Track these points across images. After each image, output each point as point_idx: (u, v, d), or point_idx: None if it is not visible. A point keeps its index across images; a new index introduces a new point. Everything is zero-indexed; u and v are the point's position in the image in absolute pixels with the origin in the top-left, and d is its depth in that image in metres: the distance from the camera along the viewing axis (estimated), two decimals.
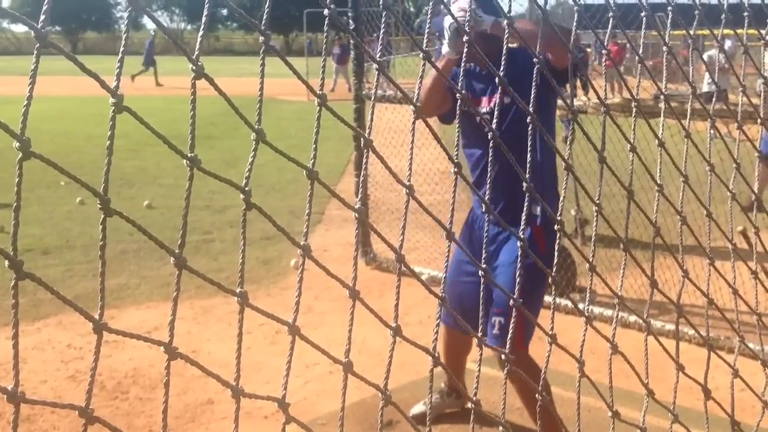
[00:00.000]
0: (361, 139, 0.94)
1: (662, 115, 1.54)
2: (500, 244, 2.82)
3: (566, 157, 1.30)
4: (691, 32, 1.60)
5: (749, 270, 1.80)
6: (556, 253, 1.34)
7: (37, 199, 7.46)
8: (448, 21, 2.54)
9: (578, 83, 5.47)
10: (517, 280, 1.24)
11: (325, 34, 0.92)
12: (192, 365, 0.83)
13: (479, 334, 1.14)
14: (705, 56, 10.91)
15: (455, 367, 3.19)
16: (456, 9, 2.50)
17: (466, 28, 1.06)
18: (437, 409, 3.32)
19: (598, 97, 1.37)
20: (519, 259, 1.25)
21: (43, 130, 12.31)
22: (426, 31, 1.15)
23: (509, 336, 1.25)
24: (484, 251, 1.21)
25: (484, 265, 1.12)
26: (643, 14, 1.47)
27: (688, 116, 1.66)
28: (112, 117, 0.71)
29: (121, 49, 0.72)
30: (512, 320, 1.23)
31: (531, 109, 1.19)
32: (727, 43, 9.44)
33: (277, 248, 5.94)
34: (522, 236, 1.17)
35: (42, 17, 0.64)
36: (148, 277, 5.25)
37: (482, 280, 1.13)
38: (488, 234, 2.90)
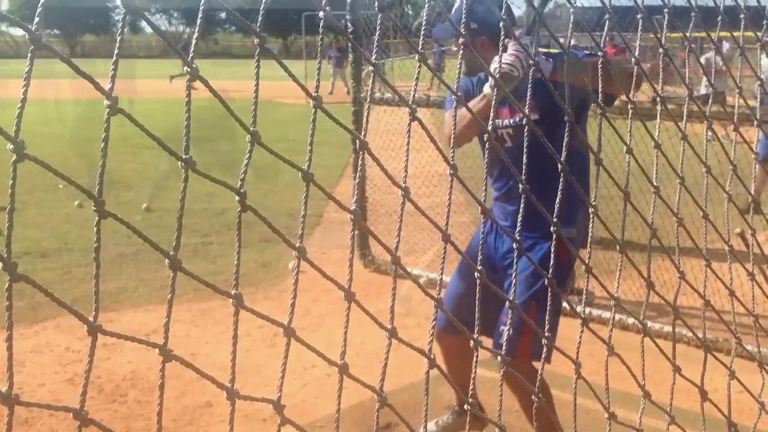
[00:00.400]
0: (357, 141, 0.94)
1: (658, 117, 1.54)
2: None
3: (563, 159, 1.30)
4: (688, 35, 1.60)
5: (746, 272, 1.80)
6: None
7: (35, 202, 7.46)
8: (495, 66, 2.23)
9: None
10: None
11: (320, 37, 0.92)
12: (187, 368, 0.83)
13: (476, 336, 1.14)
14: (702, 59, 10.91)
15: (461, 377, 2.87)
16: (510, 51, 2.27)
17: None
18: (448, 429, 3.15)
19: (595, 100, 1.37)
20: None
21: (42, 133, 12.31)
22: (422, 34, 1.15)
23: (505, 338, 1.25)
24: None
25: (480, 267, 1.12)
26: (639, 16, 1.47)
27: (685, 118, 1.67)
28: (106, 119, 0.71)
29: (116, 51, 0.72)
30: (508, 322, 1.23)
31: (526, 117, 1.19)
32: (725, 46, 9.46)
33: (276, 251, 5.93)
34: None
35: (36, 20, 0.64)
36: (147, 280, 5.25)
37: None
38: (499, 244, 2.84)
